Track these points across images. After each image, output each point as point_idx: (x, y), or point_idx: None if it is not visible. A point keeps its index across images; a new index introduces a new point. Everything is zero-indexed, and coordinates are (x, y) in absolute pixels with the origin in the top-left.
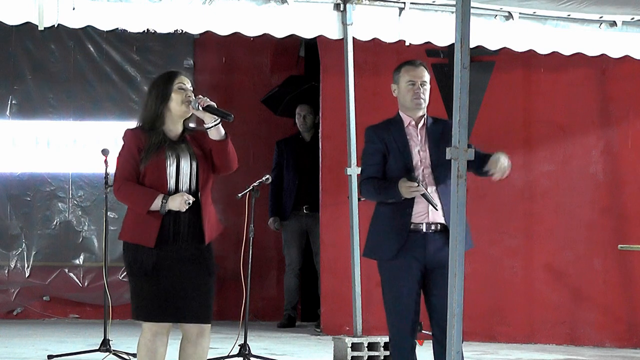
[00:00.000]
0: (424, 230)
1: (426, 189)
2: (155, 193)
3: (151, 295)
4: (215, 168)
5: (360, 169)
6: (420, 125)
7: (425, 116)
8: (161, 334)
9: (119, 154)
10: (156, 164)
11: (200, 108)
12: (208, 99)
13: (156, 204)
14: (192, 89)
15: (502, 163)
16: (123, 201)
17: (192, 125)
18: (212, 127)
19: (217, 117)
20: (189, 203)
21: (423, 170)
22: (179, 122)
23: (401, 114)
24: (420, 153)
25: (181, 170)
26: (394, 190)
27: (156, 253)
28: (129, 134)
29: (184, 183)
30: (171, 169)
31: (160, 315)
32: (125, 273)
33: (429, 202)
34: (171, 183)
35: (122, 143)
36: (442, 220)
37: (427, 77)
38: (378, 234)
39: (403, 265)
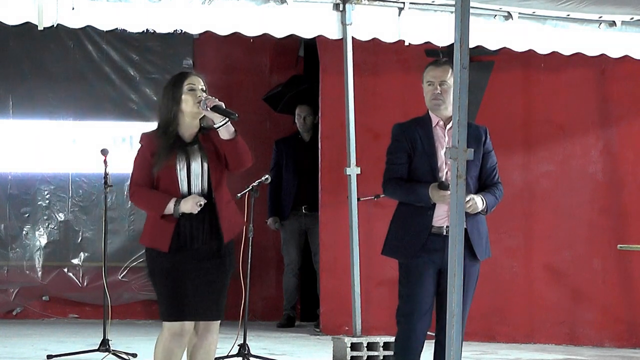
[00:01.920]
0: (444, 233)
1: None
2: (168, 197)
3: (170, 296)
4: (229, 166)
5: (359, 168)
6: (449, 126)
7: None
8: (179, 336)
9: (134, 158)
10: (167, 168)
11: (208, 108)
12: (216, 99)
13: (169, 208)
14: (204, 88)
15: (472, 206)
16: (138, 206)
17: (206, 123)
18: (221, 126)
19: (224, 117)
20: (201, 205)
21: (447, 173)
22: (193, 123)
23: (430, 113)
24: (446, 154)
25: (192, 172)
26: (424, 194)
27: (171, 257)
28: (144, 139)
29: (196, 185)
30: (182, 173)
31: (178, 315)
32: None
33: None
34: (183, 186)
35: (138, 147)
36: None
37: (449, 76)
38: (398, 234)
39: (421, 267)
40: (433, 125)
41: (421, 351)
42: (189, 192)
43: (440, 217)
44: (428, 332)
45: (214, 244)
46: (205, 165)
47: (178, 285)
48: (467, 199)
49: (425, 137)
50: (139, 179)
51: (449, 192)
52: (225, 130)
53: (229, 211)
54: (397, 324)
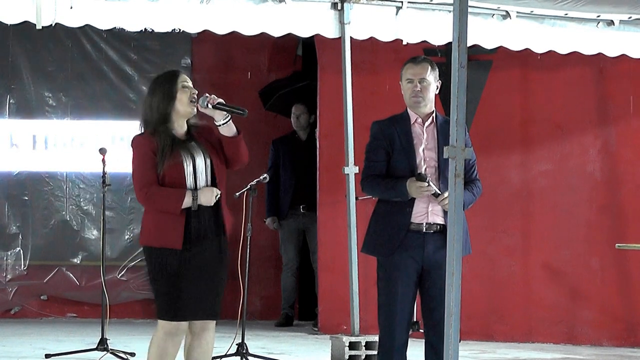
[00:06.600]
0: (424, 230)
1: (439, 188)
2: (184, 191)
3: (171, 295)
4: (228, 162)
5: (357, 167)
6: (427, 123)
7: (434, 114)
8: (174, 335)
9: (134, 161)
10: (174, 166)
11: (210, 106)
12: (216, 97)
13: (187, 202)
14: (192, 87)
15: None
16: (154, 206)
17: (193, 120)
18: (223, 124)
19: (227, 114)
20: (217, 196)
21: (426, 170)
22: (184, 121)
23: (408, 110)
24: (424, 152)
25: (197, 168)
26: (401, 189)
27: (182, 255)
28: (140, 140)
29: (201, 181)
30: (189, 169)
31: (180, 314)
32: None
33: (439, 200)
34: (190, 182)
35: (133, 151)
36: (442, 221)
37: (428, 73)
38: (377, 231)
39: (400, 264)
40: (411, 123)
41: (406, 349)
42: (196, 188)
43: (419, 214)
44: (422, 331)
45: (218, 238)
46: (209, 161)
47: (185, 285)
48: (445, 195)
49: (404, 135)
50: (150, 179)
51: (426, 184)
52: (228, 128)
53: (227, 207)
54: (378, 324)
